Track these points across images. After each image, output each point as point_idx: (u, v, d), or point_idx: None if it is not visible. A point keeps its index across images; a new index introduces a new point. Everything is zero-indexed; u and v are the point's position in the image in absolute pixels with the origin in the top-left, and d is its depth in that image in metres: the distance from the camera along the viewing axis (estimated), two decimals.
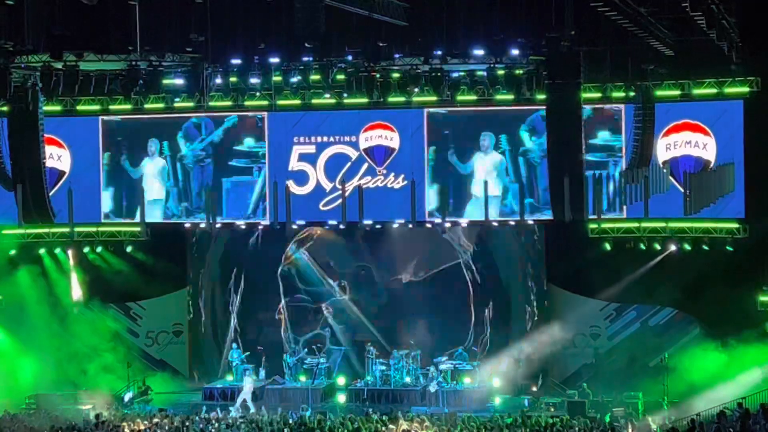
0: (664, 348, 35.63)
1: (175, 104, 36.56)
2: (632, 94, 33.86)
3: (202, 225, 37.39)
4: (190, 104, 36.36)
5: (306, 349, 37.83)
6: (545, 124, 28.76)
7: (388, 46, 30.59)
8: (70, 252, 38.86)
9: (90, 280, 38.97)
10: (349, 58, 31.30)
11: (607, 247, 36.19)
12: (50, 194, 30.06)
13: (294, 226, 35.82)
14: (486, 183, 34.87)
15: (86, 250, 38.82)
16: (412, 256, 38.28)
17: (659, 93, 34.22)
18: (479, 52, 30.62)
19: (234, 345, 38.20)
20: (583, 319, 37.44)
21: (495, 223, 36.57)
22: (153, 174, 37.75)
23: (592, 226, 35.19)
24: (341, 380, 37.50)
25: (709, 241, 34.91)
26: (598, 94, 34.74)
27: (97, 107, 37.90)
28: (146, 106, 36.93)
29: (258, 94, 35.26)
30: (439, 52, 30.75)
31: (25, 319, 37.61)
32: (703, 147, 34.81)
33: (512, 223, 36.44)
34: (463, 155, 36.33)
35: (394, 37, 30.11)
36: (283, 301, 39.00)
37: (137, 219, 36.82)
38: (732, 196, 33.72)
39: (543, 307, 37.50)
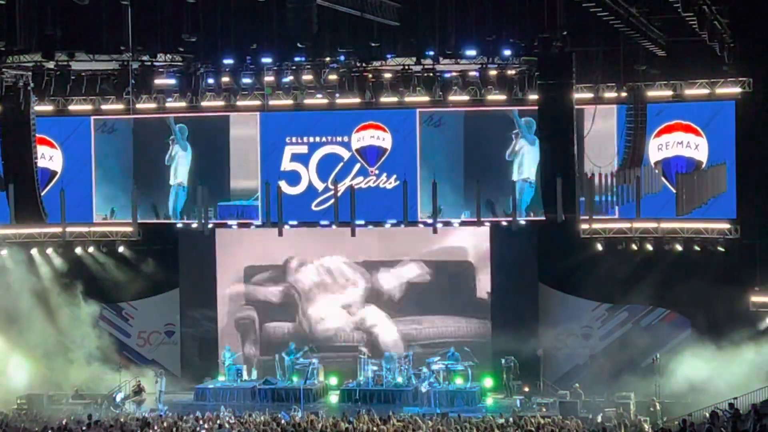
0: (656, 348, 35.62)
1: (167, 104, 36.54)
2: (624, 94, 33.90)
3: (194, 225, 37.32)
4: (182, 104, 36.34)
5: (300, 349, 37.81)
6: (537, 124, 28.77)
7: (380, 46, 30.56)
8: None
9: (82, 280, 38.89)
10: (342, 58, 31.28)
11: (599, 247, 36.23)
12: (42, 194, 30.00)
13: (286, 227, 35.79)
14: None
15: (78, 250, 38.77)
16: (405, 255, 38.37)
17: (651, 94, 34.28)
18: (471, 52, 30.60)
19: (226, 345, 38.16)
20: (575, 320, 37.47)
21: (487, 224, 36.60)
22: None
23: (584, 226, 35.20)
24: (333, 380, 37.51)
25: (701, 241, 34.95)
26: (590, 95, 34.77)
27: (88, 107, 37.85)
28: (138, 106, 36.87)
29: (250, 93, 35.24)
30: (432, 53, 30.72)
31: (16, 320, 37.57)
32: (695, 147, 34.86)
33: (504, 223, 36.45)
34: None
35: (386, 37, 30.10)
36: None
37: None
38: (724, 197, 33.77)
39: (535, 307, 37.51)
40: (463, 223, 36.81)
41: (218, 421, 30.48)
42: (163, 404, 35.79)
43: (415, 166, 36.53)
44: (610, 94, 34.85)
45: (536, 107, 29.26)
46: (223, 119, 37.66)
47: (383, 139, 37.01)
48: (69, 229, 36.62)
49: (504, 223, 36.48)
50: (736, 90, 34.14)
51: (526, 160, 36.26)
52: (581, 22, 28.08)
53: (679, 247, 35.34)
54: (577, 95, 28.96)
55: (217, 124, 37.73)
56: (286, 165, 37.36)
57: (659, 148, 35.19)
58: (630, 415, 32.55)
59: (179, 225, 38.25)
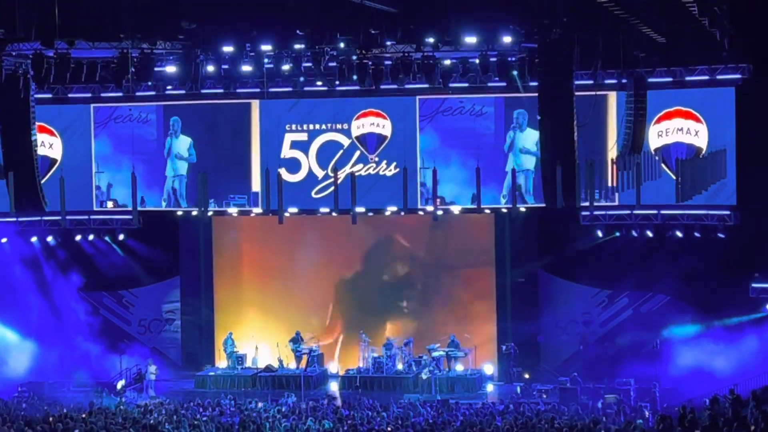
0: (656, 334, 35.67)
1: (167, 92, 36.52)
2: (624, 81, 33.85)
3: (194, 212, 37.34)
4: (182, 92, 36.32)
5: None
6: (537, 111, 28.73)
7: (380, 33, 30.50)
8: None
9: (82, 268, 38.92)
10: (341, 45, 31.23)
11: (599, 234, 36.25)
12: (42, 182, 30.01)
13: (286, 214, 35.76)
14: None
15: (78, 238, 38.78)
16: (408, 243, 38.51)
17: (651, 80, 34.23)
18: (471, 39, 30.55)
19: (228, 333, 38.21)
20: (575, 306, 37.52)
21: (487, 210, 36.62)
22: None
23: (584, 213, 35.21)
24: (334, 367, 37.60)
25: (701, 227, 34.94)
26: (590, 82, 34.71)
27: (88, 95, 37.79)
28: (138, 93, 36.82)
29: (250, 81, 35.23)
30: (431, 40, 30.67)
31: (16, 308, 37.64)
32: (695, 134, 34.83)
33: (504, 210, 36.47)
34: None
35: (386, 24, 30.02)
36: None
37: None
38: (724, 183, 33.77)
39: (535, 294, 37.58)
40: (464, 210, 36.81)
41: (218, 408, 30.55)
42: (153, 391, 35.88)
43: (414, 153, 36.52)
44: (610, 81, 34.82)
45: (536, 94, 29.18)
46: (245, 106, 37.61)
47: (383, 126, 36.99)
48: (69, 217, 36.64)
49: (504, 210, 36.51)
50: (736, 76, 34.10)
51: (522, 151, 36.23)
52: (581, 9, 28.01)
53: (679, 234, 35.34)
54: (576, 82, 28.90)
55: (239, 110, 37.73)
56: (286, 152, 37.35)
57: (659, 134, 35.16)
58: (630, 401, 32.61)
59: (179, 212, 38.26)
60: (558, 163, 26.99)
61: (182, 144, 37.71)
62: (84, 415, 28.80)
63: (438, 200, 35.57)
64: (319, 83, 35.61)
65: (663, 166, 34.01)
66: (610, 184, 31.91)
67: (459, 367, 36.20)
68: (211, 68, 32.41)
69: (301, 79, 34.79)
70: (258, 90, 36.13)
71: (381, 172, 36.89)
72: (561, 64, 27.10)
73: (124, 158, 37.77)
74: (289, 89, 36.21)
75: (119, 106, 37.77)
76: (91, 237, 38.86)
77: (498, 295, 37.69)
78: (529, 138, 35.79)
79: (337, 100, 36.79)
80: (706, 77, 34.52)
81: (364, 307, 38.66)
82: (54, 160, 37.84)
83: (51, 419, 28.24)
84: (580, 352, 37.16)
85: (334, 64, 32.27)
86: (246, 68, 32.46)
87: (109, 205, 38.13)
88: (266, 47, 31.51)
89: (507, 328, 37.08)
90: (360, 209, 35.40)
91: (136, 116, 37.84)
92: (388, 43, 31.31)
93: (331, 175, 35.28)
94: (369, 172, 36.90)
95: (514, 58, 31.88)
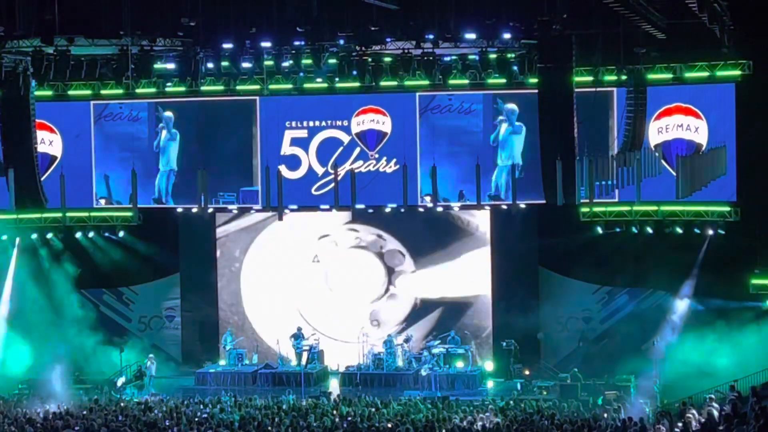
0: (656, 331, 35.65)
1: (167, 89, 36.51)
2: (624, 77, 33.85)
3: (194, 209, 37.32)
4: (182, 89, 36.31)
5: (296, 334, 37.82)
6: (537, 107, 28.73)
7: (379, 30, 30.49)
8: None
9: (82, 265, 38.90)
10: (341, 42, 31.22)
11: (599, 230, 36.24)
12: (42, 179, 30.02)
13: (286, 211, 35.77)
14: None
15: (78, 235, 38.78)
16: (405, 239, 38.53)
17: (651, 76, 34.21)
18: (471, 35, 30.53)
19: (228, 330, 38.24)
20: (575, 303, 37.50)
21: (487, 207, 36.62)
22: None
23: (584, 209, 35.20)
24: (334, 364, 37.58)
25: (701, 224, 34.94)
26: (590, 78, 34.71)
27: (88, 92, 37.77)
28: (138, 90, 36.82)
29: (249, 78, 35.23)
30: (431, 36, 30.66)
31: (17, 305, 37.64)
32: (695, 130, 34.85)
33: (504, 206, 36.46)
34: None
35: (385, 21, 30.02)
36: None
37: None
38: (724, 180, 33.75)
39: (535, 290, 37.57)
40: (463, 207, 36.82)
41: (219, 405, 30.55)
42: (153, 388, 35.89)
43: (414, 150, 36.51)
44: (610, 77, 34.82)
45: (536, 90, 29.20)
46: (251, 102, 37.57)
47: (383, 123, 37.00)
48: (69, 214, 36.67)
49: (504, 207, 36.49)
50: (736, 72, 34.08)
51: (510, 146, 36.23)
52: (581, 5, 28.03)
53: (679, 230, 35.34)
54: (576, 78, 28.90)
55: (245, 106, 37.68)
56: (286, 149, 37.35)
57: (659, 131, 35.17)
58: (630, 397, 32.61)
59: (179, 209, 38.24)
60: (558, 160, 26.99)
61: (173, 139, 37.71)
62: (84, 413, 28.84)
63: (428, 197, 35.63)
64: (319, 80, 35.60)
65: (663, 162, 33.99)
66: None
67: (459, 364, 36.18)
68: (210, 65, 32.39)
69: (301, 75, 34.79)
70: (258, 87, 36.15)
71: (381, 169, 36.89)
72: (561, 60, 27.09)
73: (113, 156, 37.79)
74: (289, 86, 36.23)
75: (110, 103, 37.76)
76: (91, 234, 38.84)
77: (498, 292, 37.66)
78: (518, 134, 35.92)
79: (337, 96, 36.81)
80: (706, 73, 34.51)
81: (363, 303, 38.66)
82: (54, 157, 37.83)
83: (51, 416, 28.31)
84: (580, 349, 37.16)
85: (334, 60, 32.25)
86: (246, 65, 32.45)
87: (101, 202, 38.13)
88: (266, 44, 31.49)
89: (507, 325, 37.04)
90: (360, 206, 35.41)
91: (127, 114, 37.85)
92: (388, 39, 31.30)
93: (331, 171, 35.28)
94: (369, 168, 36.90)
95: (513, 55, 31.88)
